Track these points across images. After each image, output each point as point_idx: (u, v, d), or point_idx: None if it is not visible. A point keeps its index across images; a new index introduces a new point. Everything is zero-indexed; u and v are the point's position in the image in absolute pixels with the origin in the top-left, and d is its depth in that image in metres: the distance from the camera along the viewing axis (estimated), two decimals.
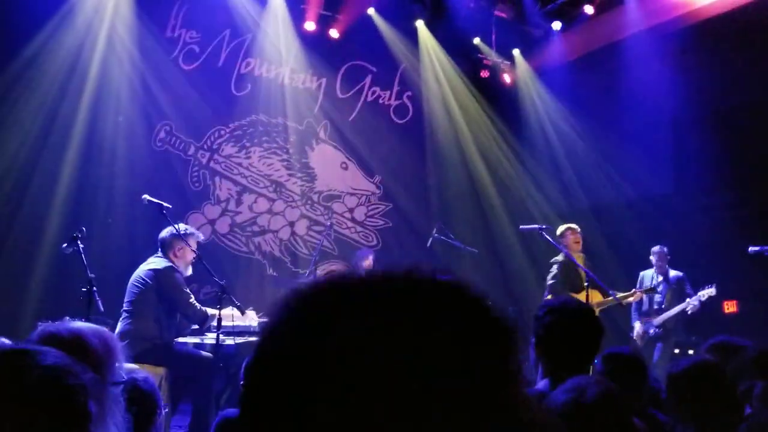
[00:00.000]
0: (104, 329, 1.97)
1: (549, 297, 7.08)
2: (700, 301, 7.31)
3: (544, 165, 10.31)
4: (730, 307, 7.89)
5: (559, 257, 7.20)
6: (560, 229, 7.35)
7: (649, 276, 8.02)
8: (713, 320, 7.59)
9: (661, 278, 7.88)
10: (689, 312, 7.45)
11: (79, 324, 1.94)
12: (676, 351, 7.62)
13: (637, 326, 7.92)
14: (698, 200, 8.53)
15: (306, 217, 9.85)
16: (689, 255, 7.98)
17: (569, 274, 7.12)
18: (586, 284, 6.68)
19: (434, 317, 0.67)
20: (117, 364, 1.92)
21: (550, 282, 7.15)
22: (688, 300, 7.45)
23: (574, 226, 7.38)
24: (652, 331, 7.74)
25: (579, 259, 7.08)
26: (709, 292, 7.26)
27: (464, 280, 0.75)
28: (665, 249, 7.92)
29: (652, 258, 7.98)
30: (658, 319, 7.69)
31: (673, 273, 7.90)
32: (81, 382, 1.44)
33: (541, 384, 2.51)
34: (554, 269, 7.17)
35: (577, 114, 9.76)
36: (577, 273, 7.09)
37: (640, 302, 7.98)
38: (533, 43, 10.52)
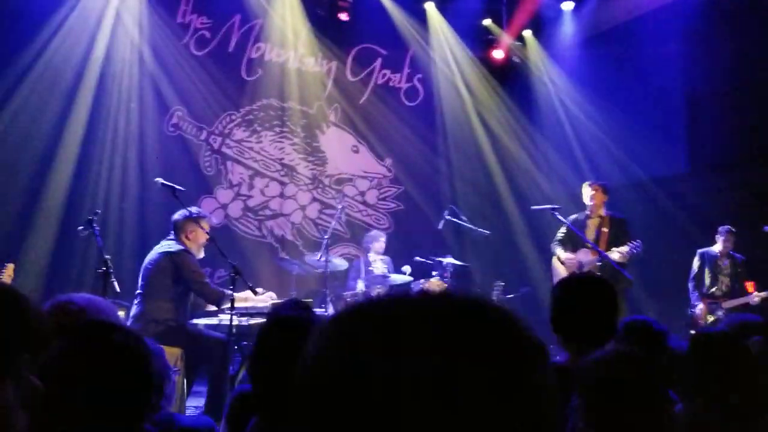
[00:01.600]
0: (106, 300, 2.06)
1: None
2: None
3: (556, 146, 10.29)
4: (748, 287, 7.81)
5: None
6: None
7: (712, 255, 7.73)
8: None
9: (727, 261, 7.67)
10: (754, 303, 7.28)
11: (89, 295, 2.03)
12: None
13: (701, 306, 7.66)
14: (712, 180, 8.48)
15: (317, 201, 9.90)
16: (704, 236, 7.94)
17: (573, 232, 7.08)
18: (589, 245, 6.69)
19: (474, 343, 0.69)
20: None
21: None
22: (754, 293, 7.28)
23: (590, 182, 7.30)
24: (720, 313, 7.49)
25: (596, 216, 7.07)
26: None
27: (502, 305, 0.75)
28: (733, 229, 7.62)
29: (718, 237, 7.70)
30: (727, 304, 7.50)
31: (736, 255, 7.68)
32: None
33: (560, 357, 2.53)
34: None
35: (589, 94, 9.72)
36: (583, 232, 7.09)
37: (701, 282, 7.76)
38: (544, 24, 10.47)
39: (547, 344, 0.75)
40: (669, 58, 8.79)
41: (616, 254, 6.65)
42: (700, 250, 7.83)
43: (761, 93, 8.00)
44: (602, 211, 7.10)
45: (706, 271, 7.74)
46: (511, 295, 8.54)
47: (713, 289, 7.69)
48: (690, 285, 7.80)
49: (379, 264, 8.66)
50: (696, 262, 7.81)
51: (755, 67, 8.05)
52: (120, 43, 8.42)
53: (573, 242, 7.15)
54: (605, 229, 6.96)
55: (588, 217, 7.16)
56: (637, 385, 1.91)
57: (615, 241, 6.85)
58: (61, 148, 7.84)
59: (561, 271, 7.08)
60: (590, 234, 7.02)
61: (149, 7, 8.64)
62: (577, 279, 2.62)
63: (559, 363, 2.49)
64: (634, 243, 6.72)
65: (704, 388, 2.38)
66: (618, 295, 2.62)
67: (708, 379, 2.38)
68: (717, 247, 7.74)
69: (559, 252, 7.16)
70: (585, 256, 7.03)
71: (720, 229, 7.69)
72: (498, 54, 10.61)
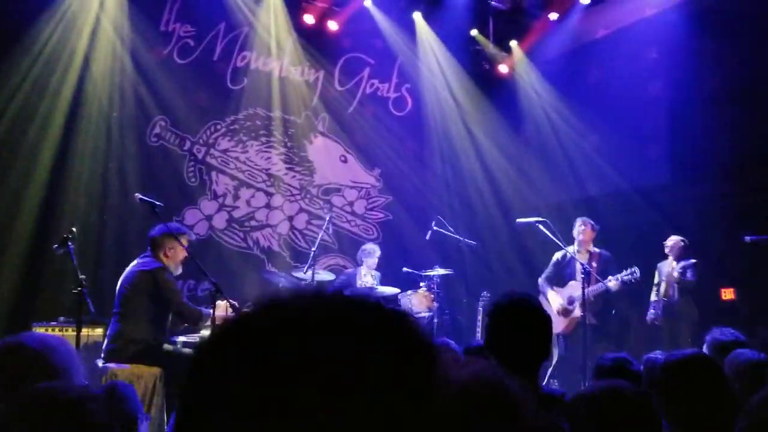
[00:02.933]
0: (62, 338, 1.96)
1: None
2: (621, 281, 7.08)
3: (542, 156, 10.25)
4: (727, 294, 7.88)
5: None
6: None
7: (666, 266, 7.82)
8: (711, 308, 7.56)
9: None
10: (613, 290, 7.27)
11: (43, 333, 1.93)
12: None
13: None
14: (695, 189, 8.47)
15: (305, 211, 9.80)
16: (686, 245, 7.91)
17: (559, 268, 7.45)
18: (582, 276, 6.73)
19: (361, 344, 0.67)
20: (79, 368, 1.92)
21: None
22: (609, 277, 7.37)
23: (581, 219, 7.52)
24: (653, 316, 7.70)
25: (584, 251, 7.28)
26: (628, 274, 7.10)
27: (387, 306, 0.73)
28: (682, 241, 7.71)
29: (667, 249, 7.79)
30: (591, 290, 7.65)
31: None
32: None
33: None
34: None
35: (575, 104, 9.70)
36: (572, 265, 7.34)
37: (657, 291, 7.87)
38: (530, 34, 10.44)
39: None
40: (652, 69, 8.83)
41: (612, 282, 6.92)
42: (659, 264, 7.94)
43: (743, 104, 8.00)
44: (590, 247, 7.41)
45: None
46: None
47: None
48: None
49: (369, 279, 8.57)
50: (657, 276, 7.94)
51: (736, 78, 8.05)
52: (101, 51, 8.29)
53: (560, 277, 7.45)
54: (594, 264, 7.22)
55: (577, 251, 7.40)
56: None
57: (603, 277, 7.10)
58: (38, 160, 7.70)
59: (550, 308, 7.31)
60: (579, 269, 7.19)
61: (131, 15, 8.51)
62: (509, 302, 2.59)
63: None
64: (631, 270, 6.95)
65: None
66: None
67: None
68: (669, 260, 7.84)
69: (550, 295, 7.40)
70: (574, 291, 7.22)
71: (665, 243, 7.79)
72: (485, 66, 10.59)
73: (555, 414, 2.28)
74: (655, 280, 7.84)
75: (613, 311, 7.45)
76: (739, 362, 3.28)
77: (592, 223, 7.64)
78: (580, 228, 7.55)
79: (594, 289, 7.10)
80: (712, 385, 2.49)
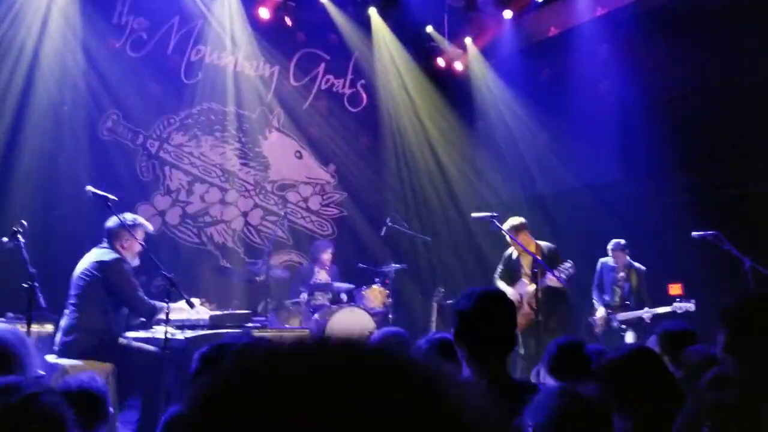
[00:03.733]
0: (14, 328, 1.95)
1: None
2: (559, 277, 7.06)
3: (496, 152, 10.36)
4: (674, 289, 8.04)
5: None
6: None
7: (609, 266, 7.95)
8: (659, 303, 7.74)
9: (623, 273, 7.87)
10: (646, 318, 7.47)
11: None
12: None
13: (601, 312, 7.87)
14: (645, 186, 8.65)
15: (260, 207, 9.76)
16: (637, 240, 8.10)
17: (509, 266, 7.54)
18: (535, 270, 6.80)
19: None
20: (33, 360, 1.91)
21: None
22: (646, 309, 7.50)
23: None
24: (615, 324, 7.79)
25: (531, 246, 7.22)
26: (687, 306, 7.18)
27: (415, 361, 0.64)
28: (622, 242, 7.84)
29: (611, 252, 7.91)
30: (621, 316, 7.69)
31: (635, 266, 7.88)
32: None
33: (465, 373, 2.55)
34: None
35: (528, 102, 9.83)
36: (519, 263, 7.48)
37: (602, 286, 7.98)
38: (485, 32, 10.56)
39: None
40: (604, 67, 8.98)
41: (550, 279, 6.88)
42: (601, 260, 8.02)
43: (692, 102, 8.22)
44: (533, 247, 7.29)
45: (603, 281, 7.99)
46: (451, 301, 8.54)
47: (609, 300, 7.91)
48: (594, 293, 8.02)
49: (323, 274, 8.58)
50: (597, 272, 8.02)
51: (686, 76, 8.26)
52: (51, 43, 8.11)
53: (511, 275, 7.49)
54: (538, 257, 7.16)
55: (521, 252, 7.41)
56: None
57: (551, 268, 7.06)
58: None
59: None
60: (527, 267, 7.36)
61: (83, 7, 8.34)
62: (477, 293, 2.64)
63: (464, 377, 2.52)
64: (565, 265, 6.95)
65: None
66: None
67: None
68: (610, 260, 7.97)
69: (503, 288, 7.33)
70: (523, 288, 7.32)
71: (612, 243, 7.88)
72: (440, 62, 10.67)
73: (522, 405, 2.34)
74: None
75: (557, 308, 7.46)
76: (693, 360, 3.37)
77: (521, 223, 7.44)
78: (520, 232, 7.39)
79: (530, 290, 7.16)
80: (657, 376, 2.56)
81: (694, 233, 6.44)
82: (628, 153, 8.86)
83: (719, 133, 7.97)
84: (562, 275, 6.88)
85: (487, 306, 2.57)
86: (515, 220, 7.30)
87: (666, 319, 6.45)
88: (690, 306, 7.10)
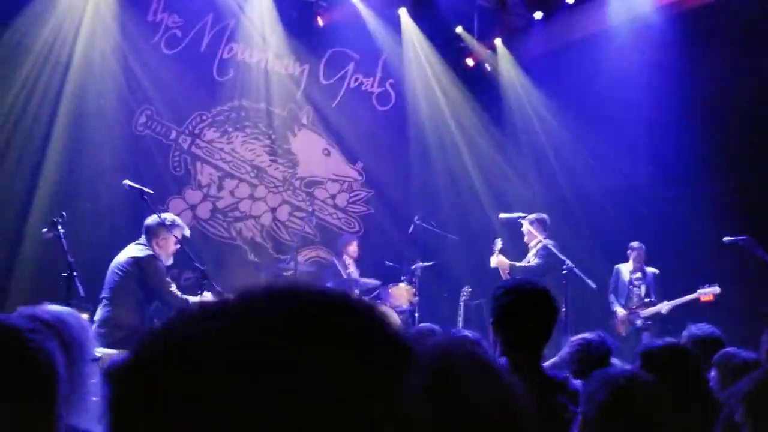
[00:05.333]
0: (74, 311, 2.02)
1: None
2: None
3: (525, 153, 10.35)
4: (705, 295, 7.98)
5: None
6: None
7: (626, 270, 8.10)
8: (689, 308, 7.70)
9: (639, 274, 8.00)
10: (665, 312, 7.63)
11: (56, 306, 1.99)
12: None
13: (621, 312, 7.98)
14: (676, 190, 8.60)
15: (288, 203, 9.86)
16: (666, 244, 8.08)
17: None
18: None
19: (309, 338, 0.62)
20: (91, 342, 1.98)
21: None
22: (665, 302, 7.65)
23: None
24: (639, 322, 7.84)
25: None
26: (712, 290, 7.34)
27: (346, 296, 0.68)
28: (643, 246, 8.03)
29: (630, 253, 8.07)
30: (646, 312, 7.78)
31: (649, 270, 8.05)
32: (41, 344, 1.48)
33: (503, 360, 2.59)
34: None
35: (558, 103, 9.81)
36: None
37: (617, 291, 8.10)
38: (515, 32, 10.56)
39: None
40: (634, 70, 8.92)
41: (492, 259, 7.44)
42: (617, 265, 8.22)
43: (725, 105, 8.16)
44: (533, 243, 7.65)
45: (620, 285, 8.15)
46: (478, 301, 8.58)
47: (627, 298, 8.05)
48: (610, 297, 8.15)
49: (353, 268, 8.67)
50: (612, 276, 8.21)
51: (717, 81, 8.20)
52: (88, 40, 8.26)
53: None
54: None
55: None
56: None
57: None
58: (24, 146, 7.69)
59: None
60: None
61: (119, 5, 8.50)
62: (516, 285, 2.69)
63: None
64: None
65: None
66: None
67: None
68: (629, 264, 8.10)
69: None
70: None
71: (631, 245, 8.08)
72: (469, 62, 10.69)
73: (558, 396, 2.38)
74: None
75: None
76: (733, 364, 3.38)
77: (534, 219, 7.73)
78: (526, 228, 7.72)
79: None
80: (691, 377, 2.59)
81: (725, 238, 6.39)
82: (659, 156, 8.82)
83: (752, 137, 7.91)
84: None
85: (527, 301, 2.61)
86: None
87: (688, 312, 6.50)
88: (715, 289, 7.21)
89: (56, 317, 1.95)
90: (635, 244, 8.08)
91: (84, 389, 1.86)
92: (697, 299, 7.55)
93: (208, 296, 5.45)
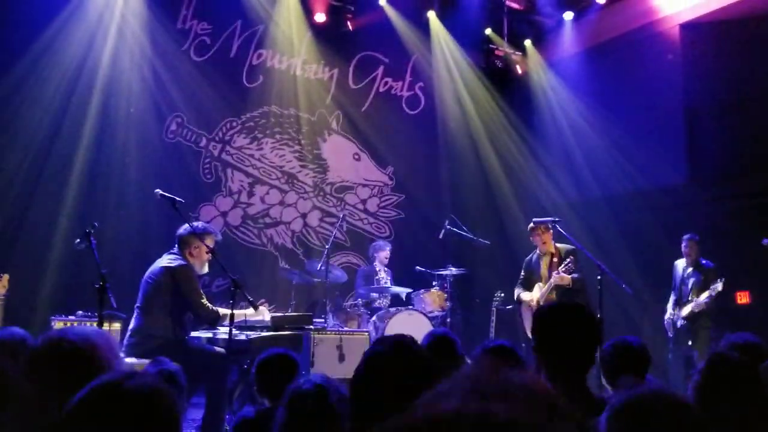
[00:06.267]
0: (104, 331, 2.00)
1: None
2: (710, 296, 7.25)
3: (556, 155, 10.24)
4: (742, 297, 7.85)
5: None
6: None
7: (680, 266, 7.88)
8: (726, 311, 7.55)
9: (691, 269, 7.75)
10: (696, 310, 7.44)
11: (84, 327, 1.97)
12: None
13: (667, 314, 7.88)
14: (711, 190, 8.44)
15: (318, 209, 9.85)
16: (702, 245, 7.92)
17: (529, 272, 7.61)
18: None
19: None
20: (119, 362, 1.96)
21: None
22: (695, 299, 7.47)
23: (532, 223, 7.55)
24: (680, 323, 7.69)
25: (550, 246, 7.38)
26: (716, 287, 7.19)
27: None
28: (696, 237, 7.72)
29: (683, 248, 7.83)
30: (684, 311, 7.64)
31: (704, 263, 7.75)
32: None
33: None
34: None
35: (589, 104, 9.68)
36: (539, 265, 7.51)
37: (675, 288, 7.90)
38: (545, 33, 10.45)
39: None
40: (668, 67, 8.79)
41: (555, 277, 7.00)
42: (676, 261, 7.99)
43: (760, 104, 7.98)
44: (551, 247, 7.36)
45: (676, 281, 7.93)
46: (510, 306, 8.47)
47: (677, 298, 7.83)
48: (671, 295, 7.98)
49: (383, 275, 8.64)
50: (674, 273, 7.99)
51: (754, 77, 8.03)
52: (119, 48, 8.35)
53: (531, 280, 7.50)
54: (556, 260, 7.26)
55: (540, 255, 7.47)
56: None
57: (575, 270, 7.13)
58: (56, 156, 7.76)
59: (525, 311, 7.46)
60: (544, 269, 7.37)
61: (149, 13, 8.56)
62: (561, 306, 2.61)
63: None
64: (566, 262, 7.02)
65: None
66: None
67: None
68: (683, 259, 7.87)
69: (523, 297, 7.47)
70: (539, 292, 7.30)
71: (683, 238, 7.81)
72: (499, 65, 10.60)
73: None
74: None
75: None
76: None
77: (544, 222, 7.51)
78: (536, 232, 7.49)
79: (544, 290, 7.18)
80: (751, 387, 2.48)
81: (764, 240, 6.27)
82: (695, 156, 8.66)
83: None
84: (562, 269, 6.97)
85: (570, 321, 2.53)
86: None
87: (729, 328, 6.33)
88: (718, 286, 7.15)
89: (86, 339, 1.92)
90: (686, 236, 7.78)
91: None
92: (734, 301, 7.41)
93: (241, 312, 5.43)
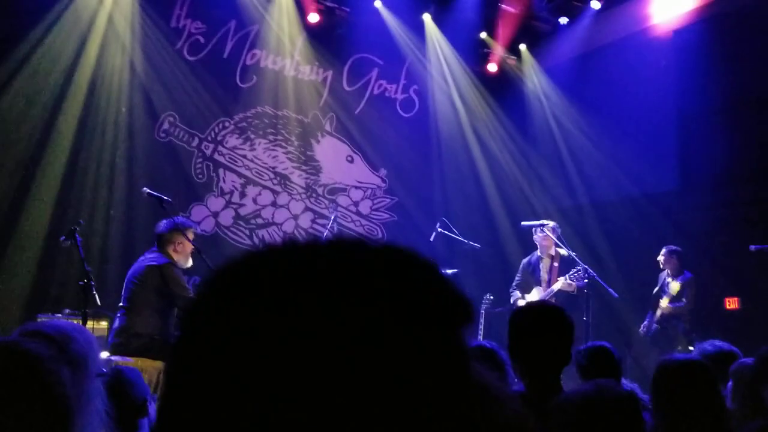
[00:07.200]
0: (81, 326, 1.98)
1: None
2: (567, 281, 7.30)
3: (548, 160, 10.26)
4: (731, 303, 7.88)
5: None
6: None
7: (664, 275, 7.98)
8: (715, 316, 7.57)
9: (669, 279, 7.84)
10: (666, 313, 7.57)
11: (60, 321, 1.95)
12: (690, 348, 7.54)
13: (645, 322, 7.99)
14: (702, 198, 8.46)
15: (310, 210, 9.83)
16: (692, 252, 7.93)
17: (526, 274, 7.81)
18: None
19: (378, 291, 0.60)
20: (97, 357, 1.94)
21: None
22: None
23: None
24: (654, 327, 7.78)
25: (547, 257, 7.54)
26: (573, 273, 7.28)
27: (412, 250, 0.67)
28: (673, 248, 7.84)
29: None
30: (656, 317, 7.78)
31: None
32: (57, 371, 1.47)
33: (517, 386, 2.53)
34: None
35: (583, 109, 9.71)
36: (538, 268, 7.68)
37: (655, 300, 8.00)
38: (540, 38, 10.46)
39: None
40: (661, 74, 8.81)
41: (559, 283, 7.11)
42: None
43: (752, 111, 8.01)
44: (552, 251, 7.52)
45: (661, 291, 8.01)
46: (500, 309, 8.46)
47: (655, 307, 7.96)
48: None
49: None
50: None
51: (747, 85, 8.05)
52: (111, 46, 8.32)
53: (529, 283, 7.67)
54: (556, 264, 7.42)
55: (540, 258, 7.62)
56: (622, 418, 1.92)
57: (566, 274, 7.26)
58: (46, 154, 7.73)
59: None
60: (544, 272, 7.52)
61: (142, 11, 8.55)
62: (534, 308, 2.63)
63: (519, 391, 2.51)
64: (577, 269, 7.07)
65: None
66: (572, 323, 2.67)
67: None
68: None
69: (520, 302, 7.52)
70: (538, 295, 7.42)
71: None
72: (492, 67, 10.61)
73: None
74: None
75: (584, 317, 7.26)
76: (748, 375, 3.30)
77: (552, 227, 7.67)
78: (541, 234, 7.69)
79: (547, 292, 7.24)
80: (706, 391, 2.53)
81: (752, 246, 6.28)
82: (686, 163, 8.68)
83: None
84: (569, 278, 7.08)
85: (542, 322, 2.55)
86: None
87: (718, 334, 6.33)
88: (675, 285, 7.41)
89: (62, 333, 1.90)
90: (665, 248, 7.93)
91: (89, 407, 1.82)
92: (723, 307, 7.46)
93: None
